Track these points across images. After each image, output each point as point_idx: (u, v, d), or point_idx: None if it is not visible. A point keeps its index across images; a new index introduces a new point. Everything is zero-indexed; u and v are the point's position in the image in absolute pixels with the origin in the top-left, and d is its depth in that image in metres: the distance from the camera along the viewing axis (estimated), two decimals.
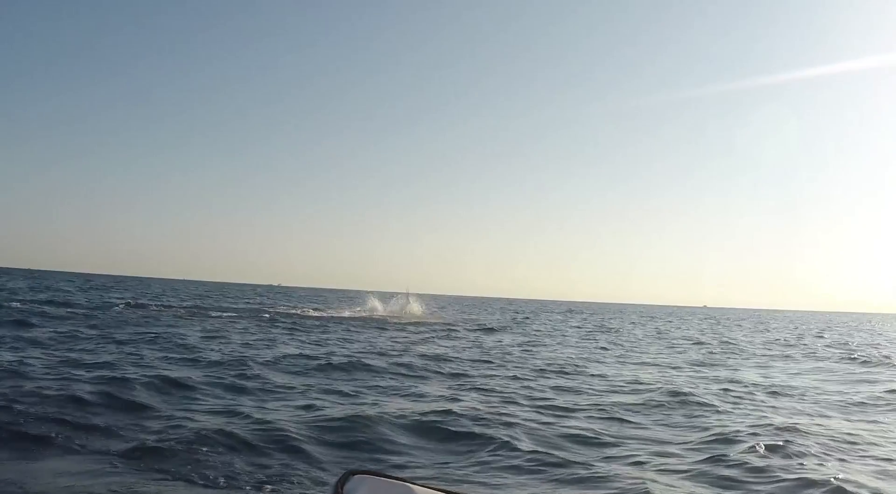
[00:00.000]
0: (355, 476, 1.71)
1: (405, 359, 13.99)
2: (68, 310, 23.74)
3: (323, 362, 12.51)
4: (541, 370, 13.55)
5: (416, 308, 38.87)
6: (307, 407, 8.03)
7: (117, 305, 29.21)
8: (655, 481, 5.56)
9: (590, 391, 10.91)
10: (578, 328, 34.73)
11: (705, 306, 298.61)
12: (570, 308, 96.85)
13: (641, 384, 11.91)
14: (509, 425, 7.43)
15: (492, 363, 14.61)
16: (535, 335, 26.46)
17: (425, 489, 1.67)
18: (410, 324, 28.64)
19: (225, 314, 27.57)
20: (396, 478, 1.74)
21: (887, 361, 19.14)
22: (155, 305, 31.47)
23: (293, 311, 35.04)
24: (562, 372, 13.34)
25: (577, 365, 14.82)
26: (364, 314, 35.24)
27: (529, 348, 19.53)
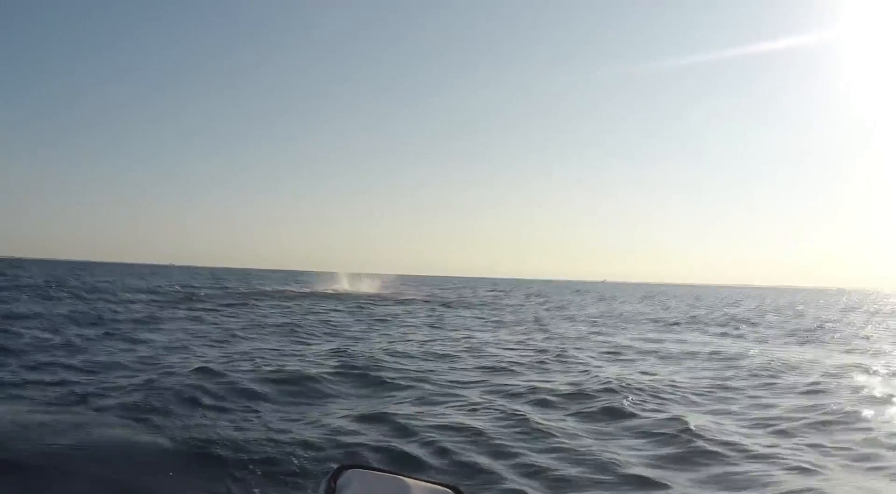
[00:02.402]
0: (348, 471, 1.72)
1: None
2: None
3: None
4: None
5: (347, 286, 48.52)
6: None
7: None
8: None
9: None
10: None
11: (604, 281, 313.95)
12: (465, 284, 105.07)
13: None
14: None
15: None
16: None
17: (417, 481, 1.65)
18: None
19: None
20: (388, 471, 1.75)
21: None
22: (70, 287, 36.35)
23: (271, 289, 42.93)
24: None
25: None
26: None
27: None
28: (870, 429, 7.84)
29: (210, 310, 24.38)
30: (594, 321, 26.26)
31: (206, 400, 8.44)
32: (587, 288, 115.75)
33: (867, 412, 8.65)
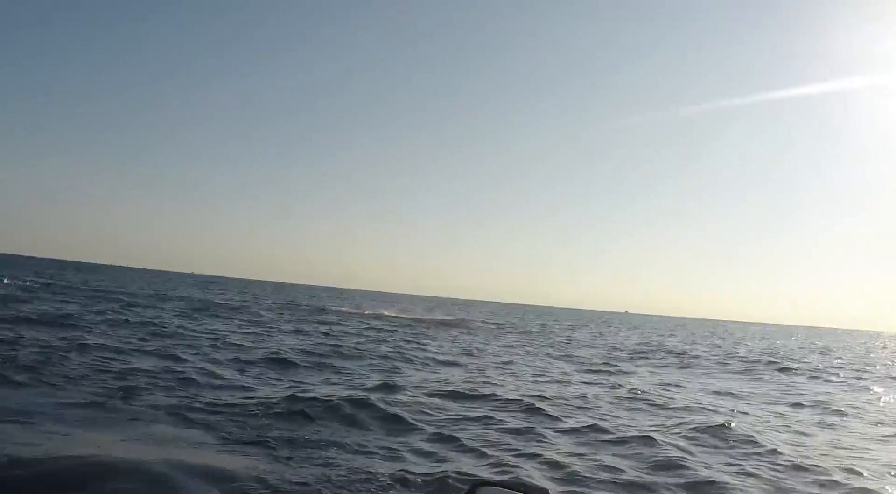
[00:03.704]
0: (481, 489, 1.62)
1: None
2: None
3: None
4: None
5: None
6: None
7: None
8: None
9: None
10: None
11: (626, 311, 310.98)
12: (493, 310, 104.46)
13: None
14: None
15: None
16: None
17: None
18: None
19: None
20: (524, 490, 1.66)
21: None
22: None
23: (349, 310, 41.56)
24: None
25: None
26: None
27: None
28: None
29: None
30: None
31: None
32: (614, 318, 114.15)
33: None
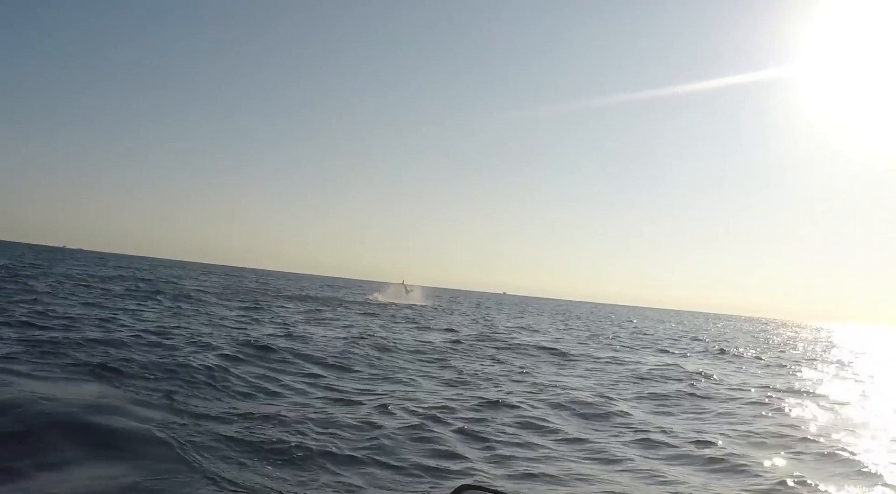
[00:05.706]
0: (468, 492, 1.67)
1: None
2: None
3: None
4: None
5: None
6: None
7: None
8: None
9: None
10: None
11: (504, 293, 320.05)
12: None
13: None
14: None
15: None
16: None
17: None
18: None
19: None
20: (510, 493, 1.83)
21: None
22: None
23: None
24: None
25: None
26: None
27: None
28: None
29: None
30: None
31: None
32: (498, 300, 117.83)
33: None
